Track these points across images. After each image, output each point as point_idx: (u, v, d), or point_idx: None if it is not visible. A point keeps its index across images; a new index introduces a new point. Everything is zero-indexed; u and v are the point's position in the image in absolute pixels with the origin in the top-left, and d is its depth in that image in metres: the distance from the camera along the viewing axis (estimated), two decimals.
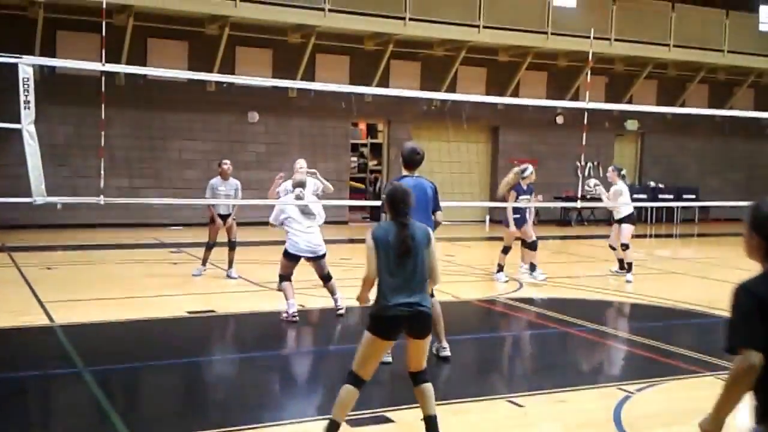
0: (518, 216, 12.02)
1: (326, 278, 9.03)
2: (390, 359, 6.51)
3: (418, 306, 4.92)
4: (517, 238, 12.32)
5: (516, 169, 12.05)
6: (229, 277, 11.52)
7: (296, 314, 8.72)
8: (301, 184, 9.13)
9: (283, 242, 9.08)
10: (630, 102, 22.87)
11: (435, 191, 7.06)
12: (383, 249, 4.97)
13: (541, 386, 6.58)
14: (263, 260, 12.27)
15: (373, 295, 5.03)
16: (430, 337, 5.14)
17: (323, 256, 9.01)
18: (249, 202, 12.52)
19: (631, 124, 23.42)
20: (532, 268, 12.21)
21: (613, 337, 8.76)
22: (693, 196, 23.27)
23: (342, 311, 8.98)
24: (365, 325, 5.03)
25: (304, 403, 6.28)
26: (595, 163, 23.06)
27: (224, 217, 11.64)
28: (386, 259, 4.96)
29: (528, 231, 12.25)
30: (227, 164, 11.69)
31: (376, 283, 4.97)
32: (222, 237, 11.70)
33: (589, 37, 16.22)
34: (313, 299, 9.94)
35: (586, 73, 17.33)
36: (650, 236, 20.83)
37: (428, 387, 5.08)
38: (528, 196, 12.03)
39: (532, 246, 12.25)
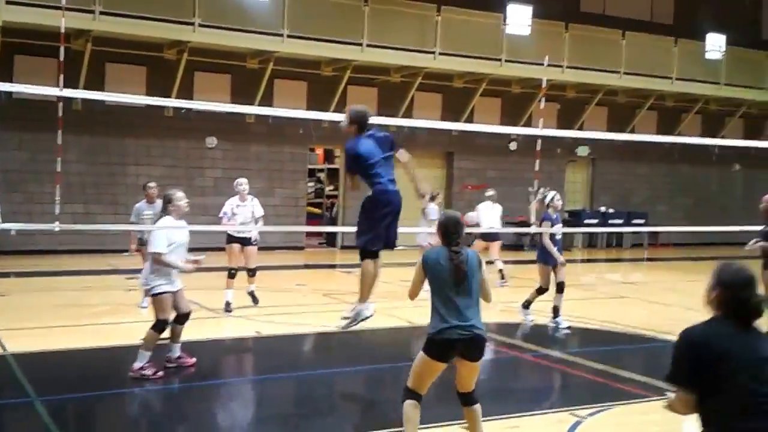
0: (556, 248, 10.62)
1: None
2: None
3: (473, 329, 5.19)
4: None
5: (539, 196, 11.17)
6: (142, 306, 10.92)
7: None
8: None
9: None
10: (581, 128, 23.42)
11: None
12: (436, 273, 5.28)
13: (494, 412, 6.65)
14: (216, 286, 12.27)
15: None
16: (481, 360, 5.40)
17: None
18: (196, 228, 12.57)
19: (583, 150, 23.96)
20: (556, 312, 10.87)
21: (564, 362, 8.95)
22: (642, 221, 23.84)
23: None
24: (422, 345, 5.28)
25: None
26: (548, 189, 23.46)
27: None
28: (440, 284, 5.26)
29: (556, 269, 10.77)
30: (152, 187, 11.40)
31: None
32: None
33: (542, 65, 16.73)
34: (272, 326, 10.06)
35: (539, 100, 17.75)
36: (601, 260, 21.30)
37: (477, 408, 5.41)
38: (560, 226, 10.92)
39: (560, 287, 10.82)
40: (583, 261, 21.27)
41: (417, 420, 5.28)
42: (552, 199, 10.75)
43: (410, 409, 5.27)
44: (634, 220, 23.78)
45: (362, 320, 7.13)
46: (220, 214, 11.51)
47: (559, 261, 10.50)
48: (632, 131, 24.37)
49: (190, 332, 8.34)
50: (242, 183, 11.45)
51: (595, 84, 22.80)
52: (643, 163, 25.34)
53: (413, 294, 5.51)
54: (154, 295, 7.69)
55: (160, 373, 7.65)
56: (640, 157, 25.01)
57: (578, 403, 7.22)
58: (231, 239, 11.33)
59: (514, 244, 23.00)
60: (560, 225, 10.87)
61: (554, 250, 10.47)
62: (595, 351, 9.57)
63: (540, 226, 10.73)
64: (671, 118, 25.49)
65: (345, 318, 7.27)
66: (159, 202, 11.16)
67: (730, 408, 3.39)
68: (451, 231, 5.40)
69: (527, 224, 19.37)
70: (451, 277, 5.25)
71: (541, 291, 10.77)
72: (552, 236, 10.57)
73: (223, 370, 8.39)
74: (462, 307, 5.20)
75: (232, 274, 11.23)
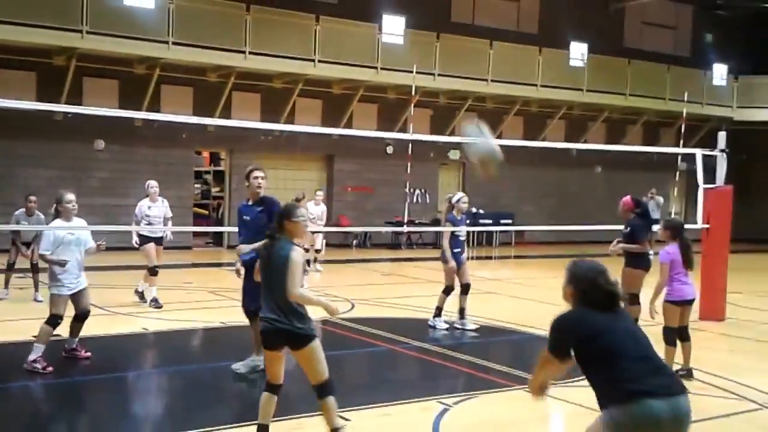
0: (458, 250, 10.85)
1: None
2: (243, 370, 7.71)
3: (274, 322, 5.63)
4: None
5: (447, 196, 11.41)
6: (36, 300, 11.99)
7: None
8: None
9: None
10: (453, 133, 24.88)
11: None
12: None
13: (368, 401, 7.22)
14: (106, 284, 12.89)
15: None
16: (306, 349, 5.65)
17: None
18: (96, 228, 13.18)
19: (454, 154, 25.22)
20: (462, 313, 11.04)
21: (435, 353, 9.49)
22: (510, 221, 25.37)
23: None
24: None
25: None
26: (423, 190, 25.00)
27: (26, 245, 12.22)
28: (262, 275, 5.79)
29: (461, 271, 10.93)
30: (33, 201, 12.09)
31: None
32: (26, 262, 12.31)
33: (414, 72, 17.87)
34: (160, 322, 10.79)
35: (411, 107, 18.99)
36: (470, 258, 22.66)
37: (329, 401, 5.74)
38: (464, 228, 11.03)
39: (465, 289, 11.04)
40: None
41: (270, 410, 5.77)
42: (458, 200, 10.88)
43: (265, 400, 5.75)
44: (502, 220, 25.24)
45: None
46: (137, 215, 12.23)
47: (450, 264, 10.67)
48: (500, 136, 26.02)
49: (85, 329, 8.57)
50: (153, 186, 12.33)
51: (465, 90, 24.12)
52: (511, 166, 26.69)
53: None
54: (51, 294, 8.21)
55: (50, 369, 7.93)
56: (508, 160, 25.95)
57: (446, 392, 7.74)
58: (147, 239, 12.09)
59: (392, 243, 24.31)
60: (463, 227, 10.92)
61: (448, 252, 10.60)
62: (464, 343, 10.32)
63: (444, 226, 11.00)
64: (537, 122, 27.07)
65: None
66: (37, 216, 11.93)
67: (612, 375, 3.78)
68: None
69: (402, 224, 20.82)
70: (264, 269, 5.72)
71: (447, 291, 10.89)
72: (455, 237, 10.75)
73: (113, 365, 8.66)
74: (269, 299, 5.65)
75: (155, 271, 11.99)
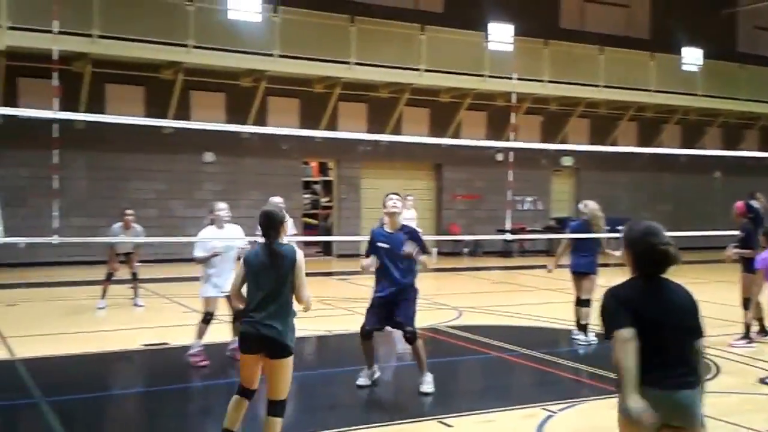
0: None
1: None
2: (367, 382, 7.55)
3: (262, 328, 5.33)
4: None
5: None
6: (137, 305, 12.65)
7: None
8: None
9: None
10: (564, 139, 24.23)
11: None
12: (252, 269, 5.41)
13: (471, 407, 7.08)
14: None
15: None
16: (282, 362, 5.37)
17: None
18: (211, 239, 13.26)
19: (567, 160, 24.72)
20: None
21: (542, 360, 9.27)
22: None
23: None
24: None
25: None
26: (534, 198, 24.39)
27: (124, 262, 12.77)
28: (252, 278, 5.41)
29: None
30: (130, 214, 12.50)
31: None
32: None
33: (523, 79, 17.46)
34: None
35: (518, 114, 18.51)
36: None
37: (273, 421, 5.38)
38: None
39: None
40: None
41: (240, 416, 5.49)
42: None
43: (236, 403, 5.49)
44: (618, 227, 24.35)
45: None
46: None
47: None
48: (614, 141, 25.19)
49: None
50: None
51: (576, 97, 23.62)
52: (626, 172, 26.07)
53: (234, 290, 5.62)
54: (204, 297, 8.57)
55: (206, 362, 8.45)
56: (623, 166, 25.75)
57: (552, 399, 7.43)
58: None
59: (503, 251, 23.76)
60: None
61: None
62: (573, 351, 10.00)
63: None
64: (651, 128, 26.33)
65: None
66: (135, 228, 12.20)
67: (648, 355, 3.68)
68: (266, 226, 5.38)
69: (512, 231, 20.25)
70: (261, 272, 5.31)
71: (579, 302, 10.34)
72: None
73: (220, 373, 8.54)
74: (263, 302, 5.29)
75: None
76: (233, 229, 8.75)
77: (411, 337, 7.49)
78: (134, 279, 12.85)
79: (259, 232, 5.53)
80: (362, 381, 7.81)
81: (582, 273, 10.27)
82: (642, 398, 3.62)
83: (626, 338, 3.66)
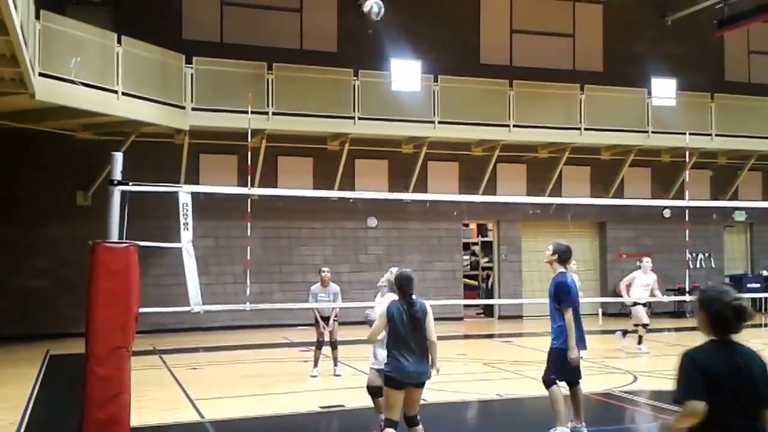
0: None
1: None
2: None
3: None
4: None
5: None
6: (335, 375, 12.37)
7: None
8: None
9: None
10: (736, 193, 23.33)
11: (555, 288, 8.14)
12: (396, 321, 6.73)
13: None
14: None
15: None
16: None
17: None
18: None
19: (740, 215, 23.78)
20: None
21: None
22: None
23: None
24: None
25: None
26: (706, 255, 23.51)
27: (326, 320, 12.50)
28: (397, 330, 6.75)
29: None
30: (326, 271, 12.49)
31: None
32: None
33: (690, 134, 17.05)
34: (438, 394, 10.75)
35: (687, 171, 18.06)
36: (764, 325, 20.88)
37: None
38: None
39: None
40: (750, 326, 20.86)
41: None
42: None
43: None
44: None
45: None
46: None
47: None
48: None
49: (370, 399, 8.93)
50: (325, 270, 12.56)
51: (746, 150, 22.80)
52: None
53: (373, 336, 6.96)
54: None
55: None
56: None
57: None
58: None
59: (676, 311, 22.96)
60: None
61: None
62: None
63: None
64: None
65: None
66: (332, 286, 12.35)
67: (736, 422, 3.81)
68: (404, 285, 6.66)
69: (684, 291, 19.59)
70: (407, 325, 6.57)
71: None
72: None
73: None
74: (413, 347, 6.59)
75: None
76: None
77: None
78: (334, 346, 12.50)
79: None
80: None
81: None
82: None
83: (696, 411, 3.78)
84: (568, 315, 7.93)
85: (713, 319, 3.98)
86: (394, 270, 9.18)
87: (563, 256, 8.22)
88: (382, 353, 8.03)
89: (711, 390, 3.81)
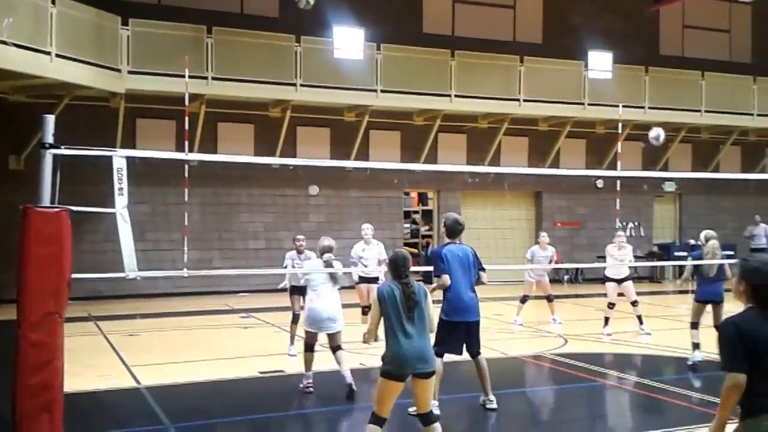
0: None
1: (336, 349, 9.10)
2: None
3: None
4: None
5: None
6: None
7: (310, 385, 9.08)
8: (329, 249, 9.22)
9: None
10: (667, 165, 23.96)
11: (476, 254, 8.20)
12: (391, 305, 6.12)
13: None
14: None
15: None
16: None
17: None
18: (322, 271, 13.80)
19: (669, 186, 24.40)
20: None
21: (650, 388, 9.26)
22: (731, 252, 23.89)
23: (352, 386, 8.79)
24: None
25: None
26: (637, 224, 24.14)
27: (374, 280, 12.47)
28: (395, 314, 6.10)
29: None
30: (300, 239, 11.84)
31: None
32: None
33: (624, 106, 17.40)
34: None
35: (620, 143, 18.49)
36: (691, 292, 21.52)
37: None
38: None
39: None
40: (674, 293, 21.55)
41: None
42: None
43: None
44: (723, 252, 23.82)
45: None
46: (353, 257, 12.84)
47: None
48: (716, 166, 24.76)
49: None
50: (366, 228, 12.90)
51: (678, 122, 23.36)
52: (730, 196, 25.52)
53: (372, 330, 6.17)
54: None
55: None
56: (726, 190, 25.22)
57: (660, 426, 7.57)
58: (362, 280, 12.69)
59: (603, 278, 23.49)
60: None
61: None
62: (684, 378, 10.02)
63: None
64: (755, 151, 25.87)
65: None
66: (307, 253, 11.76)
67: (755, 387, 3.90)
68: (400, 266, 6.15)
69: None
70: (403, 307, 5.99)
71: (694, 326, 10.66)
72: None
73: (335, 399, 8.82)
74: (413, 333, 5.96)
75: (365, 311, 12.54)
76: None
77: None
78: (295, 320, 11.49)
79: None
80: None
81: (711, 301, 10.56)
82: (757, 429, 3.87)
83: (739, 384, 3.90)
84: (435, 285, 8.00)
85: (755, 290, 4.08)
86: (325, 239, 9.33)
87: (450, 229, 8.21)
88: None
89: (759, 354, 3.92)
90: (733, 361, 3.94)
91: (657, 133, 14.19)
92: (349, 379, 8.74)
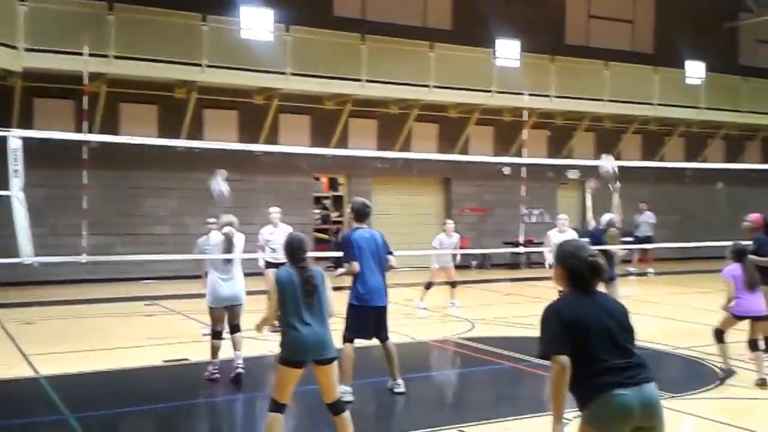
0: None
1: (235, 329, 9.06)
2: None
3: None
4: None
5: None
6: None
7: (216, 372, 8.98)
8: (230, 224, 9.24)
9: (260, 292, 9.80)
10: (571, 153, 24.53)
11: (384, 239, 8.21)
12: (289, 290, 5.91)
13: (488, 416, 7.35)
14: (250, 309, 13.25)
15: None
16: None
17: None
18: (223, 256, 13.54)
19: (573, 173, 24.97)
20: None
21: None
22: (631, 239, 24.72)
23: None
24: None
25: None
26: (541, 210, 24.64)
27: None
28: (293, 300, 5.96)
29: None
30: (212, 222, 11.61)
31: None
32: None
33: (530, 94, 17.67)
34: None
35: (525, 130, 18.79)
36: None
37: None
38: None
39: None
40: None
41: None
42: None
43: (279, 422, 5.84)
44: (624, 237, 24.58)
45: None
46: (260, 242, 12.55)
47: None
48: (618, 154, 25.43)
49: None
50: (273, 212, 12.65)
51: (581, 111, 23.94)
52: (630, 184, 26.11)
53: (271, 316, 5.97)
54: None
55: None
56: (628, 178, 25.58)
57: (567, 407, 7.87)
58: (270, 265, 12.30)
59: (511, 263, 23.98)
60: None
61: None
62: None
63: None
64: (655, 140, 26.70)
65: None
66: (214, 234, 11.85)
67: (587, 370, 3.89)
68: (296, 249, 6.00)
69: (519, 244, 20.51)
70: (302, 292, 5.83)
71: None
72: None
73: (244, 387, 8.76)
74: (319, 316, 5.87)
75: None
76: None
77: None
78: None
79: None
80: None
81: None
82: (609, 403, 3.85)
83: (566, 366, 3.91)
84: (343, 270, 8.07)
85: (571, 273, 4.10)
86: (225, 216, 9.21)
87: (359, 212, 8.21)
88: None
89: (583, 335, 3.90)
90: (556, 345, 3.93)
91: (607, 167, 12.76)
92: (240, 362, 8.71)
